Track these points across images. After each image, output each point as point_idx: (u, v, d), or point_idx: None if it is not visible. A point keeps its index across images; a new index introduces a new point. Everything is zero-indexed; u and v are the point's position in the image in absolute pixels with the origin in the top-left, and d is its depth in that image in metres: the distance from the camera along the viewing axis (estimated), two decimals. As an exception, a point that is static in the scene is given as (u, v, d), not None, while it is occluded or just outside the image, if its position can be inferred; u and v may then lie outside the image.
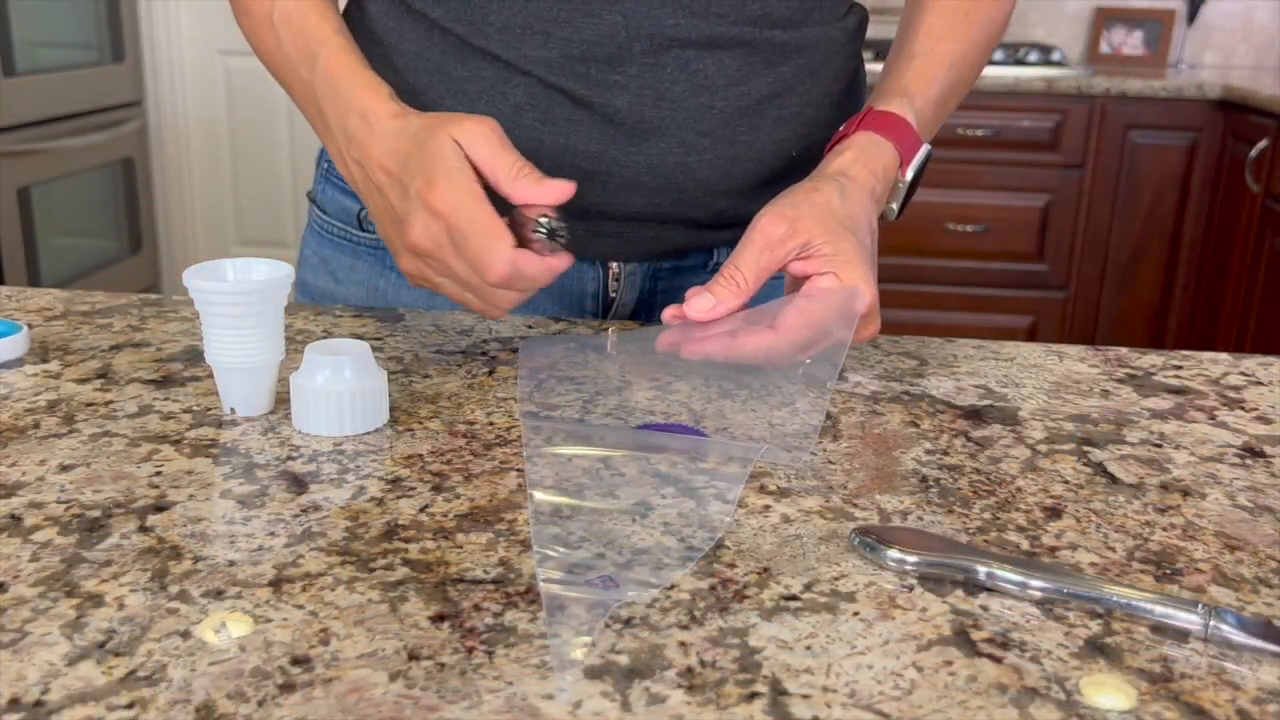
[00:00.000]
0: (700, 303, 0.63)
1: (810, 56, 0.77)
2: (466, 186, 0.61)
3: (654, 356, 0.66)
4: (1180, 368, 0.73)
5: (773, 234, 0.64)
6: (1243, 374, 0.72)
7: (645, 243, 0.81)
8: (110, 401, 0.62)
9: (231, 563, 0.45)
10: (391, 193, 0.65)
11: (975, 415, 0.63)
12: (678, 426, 0.60)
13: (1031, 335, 2.89)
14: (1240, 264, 2.58)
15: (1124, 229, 2.82)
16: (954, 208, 2.82)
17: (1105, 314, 2.88)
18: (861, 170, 0.70)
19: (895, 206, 0.74)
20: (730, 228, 0.76)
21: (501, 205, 0.63)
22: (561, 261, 0.62)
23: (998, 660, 0.40)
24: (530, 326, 0.77)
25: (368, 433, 0.58)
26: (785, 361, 0.64)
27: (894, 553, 0.46)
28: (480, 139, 0.62)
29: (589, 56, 0.72)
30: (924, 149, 0.73)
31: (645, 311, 0.85)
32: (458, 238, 0.61)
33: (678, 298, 0.87)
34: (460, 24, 0.74)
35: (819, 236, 0.64)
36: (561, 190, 0.61)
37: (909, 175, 0.72)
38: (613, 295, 0.83)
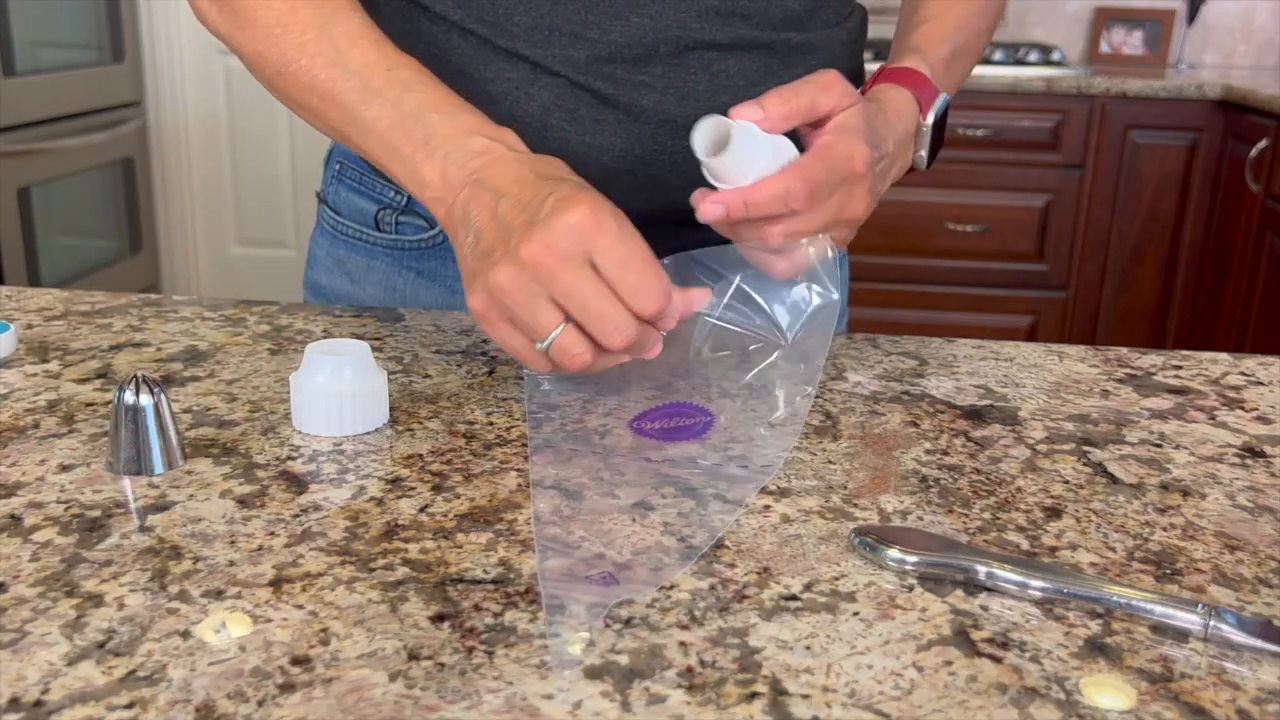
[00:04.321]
0: (749, 111, 0.62)
1: (821, 57, 0.80)
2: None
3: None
4: (1180, 368, 0.73)
5: (817, 79, 0.64)
6: (1243, 374, 0.72)
7: (669, 239, 0.82)
8: (110, 401, 0.61)
9: (231, 563, 0.45)
10: (512, 213, 0.59)
11: (975, 415, 0.63)
12: (681, 408, 0.60)
13: (1031, 335, 2.89)
14: (1240, 264, 2.58)
15: (1124, 229, 2.82)
16: (954, 208, 2.82)
17: (1105, 314, 2.88)
18: (882, 108, 0.71)
19: (924, 154, 0.74)
20: None
21: None
22: (700, 296, 0.61)
23: (998, 660, 0.40)
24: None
25: (368, 433, 0.58)
26: (803, 205, 0.61)
27: (894, 553, 0.46)
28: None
29: (616, 57, 0.74)
30: (942, 96, 0.74)
31: None
32: (614, 261, 0.55)
33: None
34: (484, 26, 0.75)
35: (842, 106, 0.64)
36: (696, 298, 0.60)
37: (929, 119, 0.73)
38: None
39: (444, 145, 0.62)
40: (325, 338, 0.73)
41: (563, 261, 0.54)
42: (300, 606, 0.42)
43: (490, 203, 0.59)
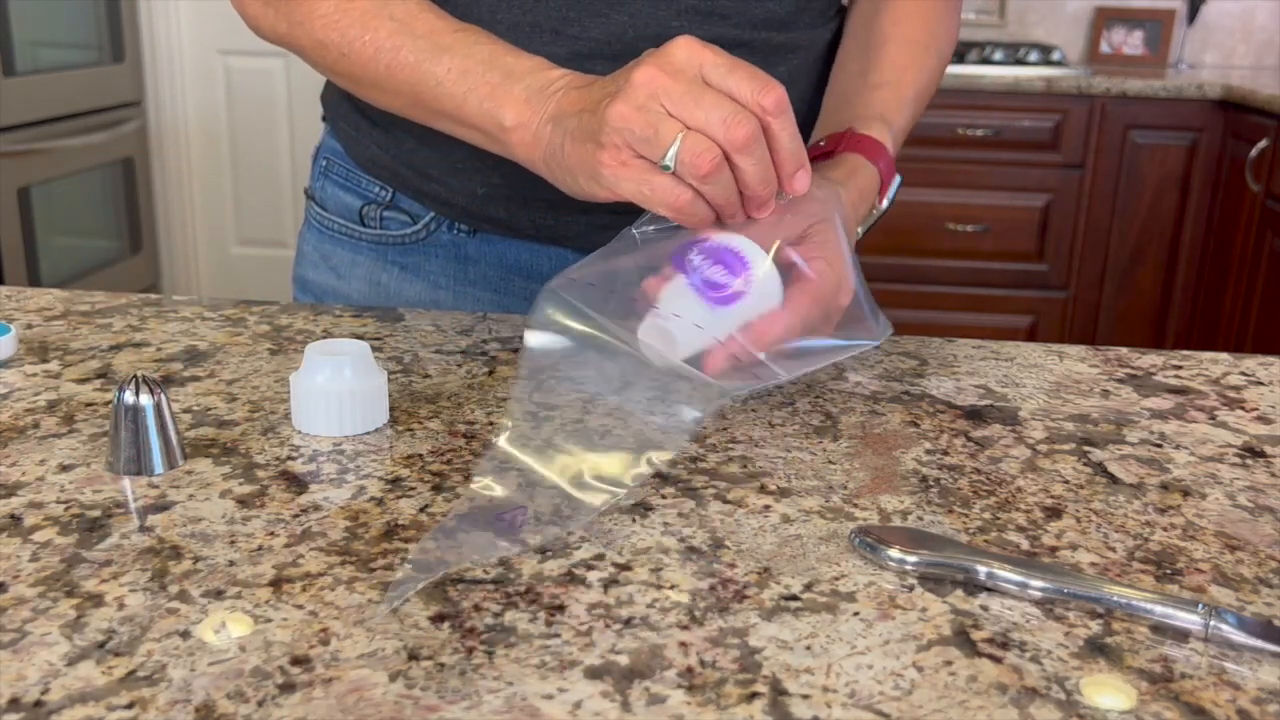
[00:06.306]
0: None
1: (803, 57, 0.80)
2: None
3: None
4: (1180, 368, 0.73)
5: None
6: (1243, 374, 0.72)
7: None
8: (110, 401, 0.61)
9: (231, 563, 0.45)
10: (603, 83, 0.60)
11: (975, 415, 0.63)
12: (720, 250, 0.58)
13: (1031, 335, 2.89)
14: (1240, 264, 2.58)
15: (1124, 229, 2.82)
16: (954, 208, 2.82)
17: (1105, 314, 2.88)
18: (851, 189, 0.70)
19: (861, 231, 0.73)
20: None
21: None
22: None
23: (998, 660, 0.40)
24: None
25: (368, 433, 0.58)
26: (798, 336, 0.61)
27: (894, 553, 0.46)
28: None
29: (596, 55, 0.74)
30: (897, 180, 0.74)
31: None
32: (721, 69, 0.55)
33: None
34: (468, 22, 0.75)
35: (820, 222, 0.63)
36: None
37: (884, 204, 0.73)
38: None
39: (524, 78, 0.63)
40: (325, 338, 0.73)
41: (675, 74, 0.55)
42: (300, 606, 0.42)
43: (579, 96, 0.60)
